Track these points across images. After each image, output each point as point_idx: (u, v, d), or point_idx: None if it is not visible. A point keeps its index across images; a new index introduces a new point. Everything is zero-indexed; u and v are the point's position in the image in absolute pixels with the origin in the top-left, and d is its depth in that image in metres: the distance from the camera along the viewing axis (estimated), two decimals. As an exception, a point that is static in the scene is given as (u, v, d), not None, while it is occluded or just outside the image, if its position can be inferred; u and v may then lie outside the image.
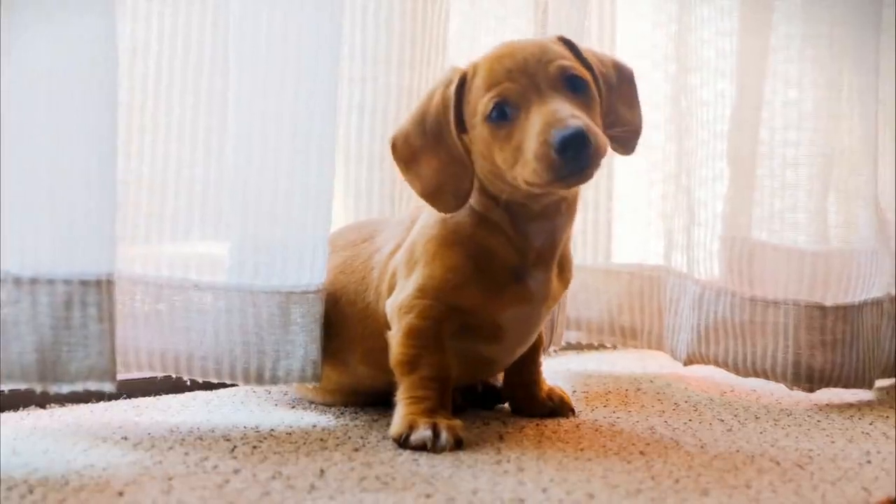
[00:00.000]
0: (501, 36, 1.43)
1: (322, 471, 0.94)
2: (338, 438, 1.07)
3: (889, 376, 1.51)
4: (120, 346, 1.11)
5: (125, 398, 1.24)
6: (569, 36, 1.11)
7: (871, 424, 1.24)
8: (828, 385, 1.39)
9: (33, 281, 0.95)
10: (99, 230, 0.98)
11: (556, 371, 1.52)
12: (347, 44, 1.30)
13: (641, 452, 1.05)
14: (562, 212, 1.09)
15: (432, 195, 1.08)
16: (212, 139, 1.14)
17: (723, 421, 1.23)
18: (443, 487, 0.89)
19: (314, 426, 1.13)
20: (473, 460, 0.99)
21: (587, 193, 1.59)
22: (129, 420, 1.13)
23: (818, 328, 1.38)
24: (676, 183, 1.53)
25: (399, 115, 1.32)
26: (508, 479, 0.93)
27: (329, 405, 1.24)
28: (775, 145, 1.46)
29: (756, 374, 1.42)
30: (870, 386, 1.42)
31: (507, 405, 1.25)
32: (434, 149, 1.07)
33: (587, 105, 1.03)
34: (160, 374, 1.14)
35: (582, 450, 1.05)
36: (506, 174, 1.03)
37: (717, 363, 1.45)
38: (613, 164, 1.60)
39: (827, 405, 1.36)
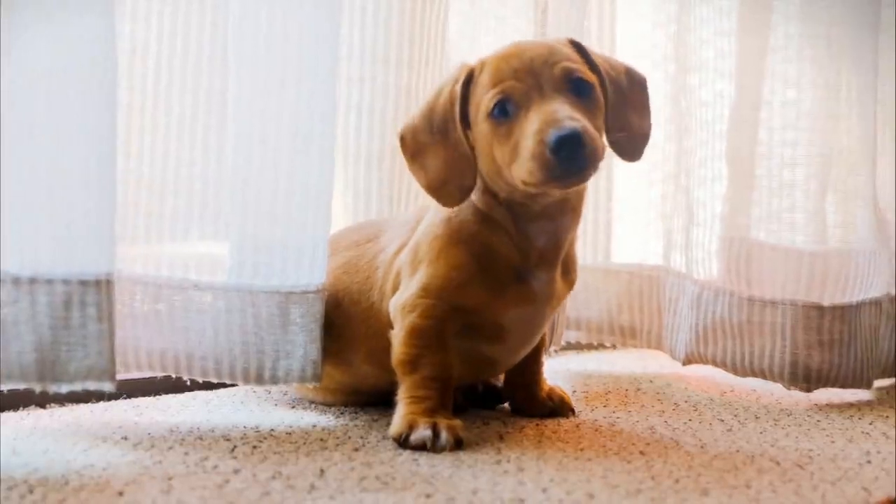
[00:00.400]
0: (501, 36, 1.43)
1: (322, 471, 0.94)
2: (338, 438, 1.07)
3: (888, 376, 1.51)
4: (120, 346, 1.11)
5: (125, 398, 1.24)
6: (569, 36, 1.11)
7: (871, 424, 1.24)
8: (825, 385, 1.39)
9: (32, 281, 0.95)
10: (98, 230, 0.98)
11: (556, 371, 1.52)
12: (346, 43, 1.30)
13: (641, 452, 1.05)
14: (565, 213, 1.09)
15: (436, 189, 1.08)
16: (211, 139, 1.14)
17: (723, 421, 1.23)
18: (443, 487, 0.89)
19: (314, 426, 1.13)
20: (473, 460, 0.99)
21: (598, 195, 1.59)
22: (129, 420, 1.13)
23: (815, 328, 1.38)
24: (676, 183, 1.53)
25: (398, 115, 1.32)
26: (508, 479, 0.93)
27: (330, 405, 1.24)
28: (773, 145, 1.46)
29: (754, 374, 1.42)
30: (868, 386, 1.42)
31: (507, 405, 1.25)
32: (440, 144, 1.08)
33: (589, 109, 1.03)
34: (160, 374, 1.14)
35: (582, 450, 1.05)
36: (504, 172, 1.03)
37: (715, 363, 1.45)
38: (613, 164, 1.60)
39: (827, 405, 1.36)
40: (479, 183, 1.08)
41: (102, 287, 0.98)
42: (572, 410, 1.23)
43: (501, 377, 1.26)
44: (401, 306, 1.09)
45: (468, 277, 1.08)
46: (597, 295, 1.60)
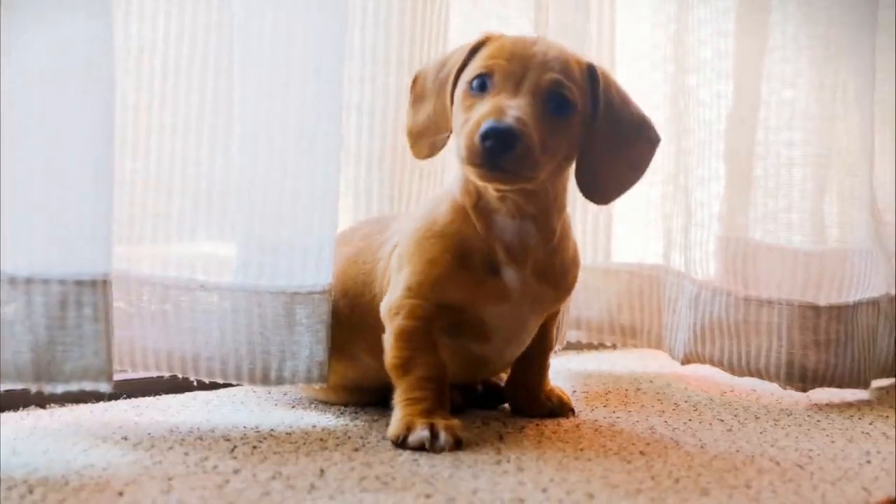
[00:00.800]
0: (503, 36, 1.43)
1: (322, 471, 0.94)
2: (338, 438, 1.07)
3: (887, 376, 1.51)
4: (128, 346, 1.12)
5: (125, 398, 1.24)
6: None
7: (871, 424, 1.24)
8: (821, 385, 1.39)
9: (28, 281, 0.95)
10: (94, 230, 0.97)
11: (556, 371, 1.52)
12: (346, 44, 1.30)
13: (641, 452, 1.05)
14: (524, 217, 1.08)
15: (413, 136, 1.13)
16: (218, 139, 1.14)
17: (723, 421, 1.23)
18: (443, 487, 0.89)
19: (314, 426, 1.13)
20: (473, 460, 0.99)
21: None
22: (129, 420, 1.13)
23: (811, 328, 1.38)
24: (675, 183, 1.53)
25: (398, 115, 1.32)
26: (508, 479, 0.93)
27: (335, 403, 1.24)
28: (770, 145, 1.46)
29: (750, 374, 1.42)
30: (865, 386, 1.42)
31: (507, 405, 1.25)
32: (434, 96, 1.11)
33: (556, 127, 1.03)
34: (167, 375, 1.14)
35: (582, 450, 1.05)
36: (456, 140, 1.05)
37: (712, 362, 1.45)
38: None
39: (827, 405, 1.36)
40: (460, 170, 1.09)
41: (99, 287, 0.97)
42: (572, 411, 1.23)
43: (504, 376, 1.27)
44: (388, 309, 1.10)
45: (445, 271, 1.08)
46: (597, 294, 1.60)
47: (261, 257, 1.12)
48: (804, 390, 1.39)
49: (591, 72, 1.08)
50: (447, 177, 1.38)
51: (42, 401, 1.17)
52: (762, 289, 1.43)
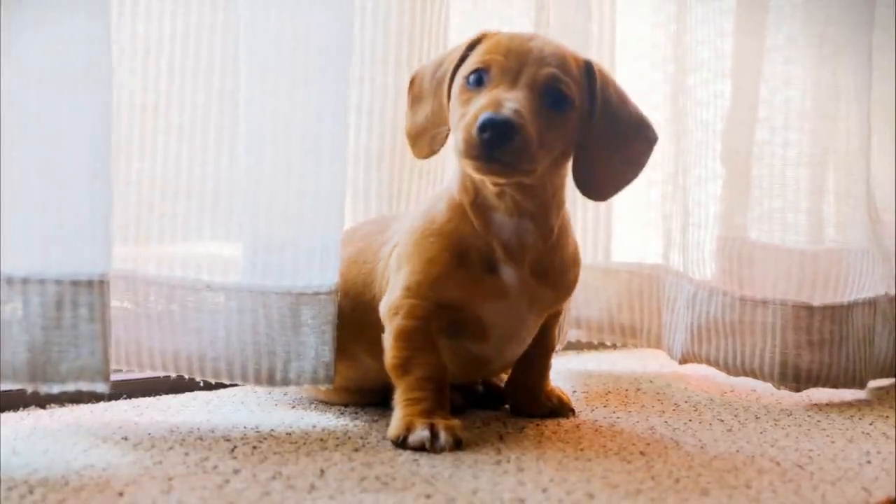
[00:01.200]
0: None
1: (322, 471, 0.94)
2: (338, 438, 1.07)
3: (887, 376, 1.51)
4: (134, 347, 1.12)
5: (125, 398, 1.24)
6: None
7: (871, 424, 1.24)
8: (815, 385, 1.39)
9: (25, 281, 0.95)
10: (92, 230, 0.97)
11: (556, 371, 1.51)
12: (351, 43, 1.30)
13: (641, 452, 1.05)
14: (522, 215, 1.08)
15: (413, 136, 1.13)
16: (224, 139, 1.14)
17: (723, 421, 1.23)
18: (443, 487, 0.89)
19: (314, 426, 1.13)
20: (473, 460, 0.99)
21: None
22: (129, 420, 1.13)
23: (805, 328, 1.38)
24: (674, 183, 1.53)
25: (397, 115, 1.32)
26: (508, 479, 0.93)
27: (334, 403, 1.24)
28: (765, 144, 1.46)
29: (745, 374, 1.42)
30: (861, 386, 1.42)
31: (507, 405, 1.25)
32: (432, 94, 1.11)
33: (553, 121, 1.03)
34: (174, 375, 1.14)
35: (582, 450, 1.05)
36: (453, 135, 1.05)
37: (708, 362, 1.45)
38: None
39: (827, 405, 1.36)
40: (458, 168, 1.09)
41: (95, 287, 0.97)
42: (572, 411, 1.23)
43: (504, 377, 1.26)
44: (387, 309, 1.10)
45: (444, 270, 1.08)
46: (597, 294, 1.60)
47: (266, 257, 1.12)
48: (798, 390, 1.39)
49: (588, 69, 1.09)
50: (446, 176, 1.38)
51: (42, 401, 1.17)
52: (757, 289, 1.43)
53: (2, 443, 1.00)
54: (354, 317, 1.16)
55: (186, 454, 0.98)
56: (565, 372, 1.54)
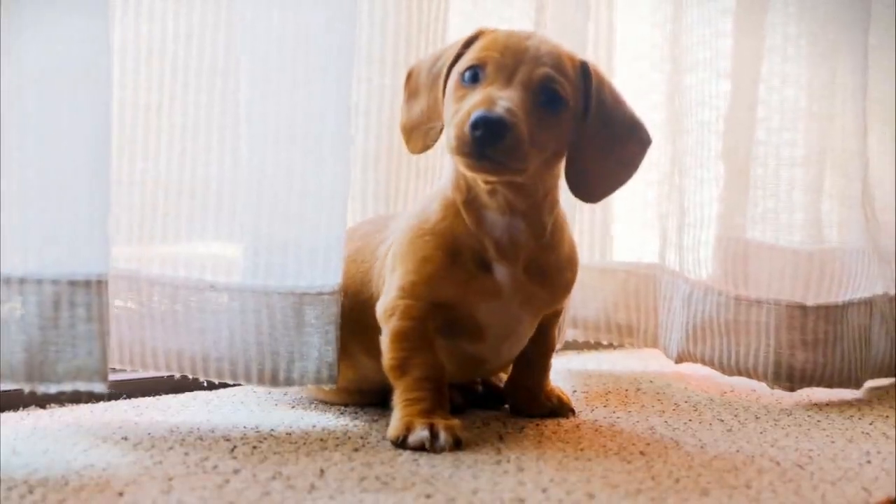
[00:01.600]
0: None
1: (322, 471, 0.94)
2: (338, 438, 1.07)
3: (885, 376, 1.51)
4: (138, 347, 1.12)
5: (125, 398, 1.24)
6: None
7: (871, 424, 1.24)
8: (809, 384, 1.39)
9: (22, 281, 0.95)
10: (89, 231, 0.97)
11: (556, 371, 1.51)
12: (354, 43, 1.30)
13: (641, 452, 1.05)
14: (514, 213, 1.08)
15: (407, 131, 1.13)
16: (226, 139, 1.14)
17: (723, 421, 1.23)
18: (443, 487, 0.89)
19: (314, 426, 1.13)
20: (473, 460, 0.99)
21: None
22: (129, 420, 1.13)
23: (799, 328, 1.39)
24: (670, 183, 1.53)
25: (393, 115, 1.32)
26: (508, 479, 0.93)
27: (334, 403, 1.24)
28: (764, 145, 1.46)
29: (740, 373, 1.42)
30: (856, 386, 1.42)
31: (507, 405, 1.25)
32: (428, 90, 1.11)
33: (547, 121, 1.03)
34: (177, 375, 1.14)
35: (582, 450, 1.05)
36: (446, 131, 1.05)
37: (704, 361, 1.45)
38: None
39: (827, 405, 1.36)
40: (453, 166, 1.09)
41: (93, 287, 0.97)
42: (572, 411, 1.23)
43: (504, 376, 1.26)
44: (383, 310, 1.10)
45: (438, 269, 1.08)
46: (593, 293, 1.60)
47: (269, 257, 1.12)
48: (792, 390, 1.39)
49: (584, 69, 1.09)
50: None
51: (42, 401, 1.17)
52: (752, 288, 1.43)
53: (2, 443, 1.00)
54: (353, 316, 1.16)
55: (186, 454, 0.98)
56: (565, 372, 1.54)
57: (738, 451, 1.07)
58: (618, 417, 1.22)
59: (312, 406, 1.24)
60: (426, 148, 1.12)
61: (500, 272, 1.09)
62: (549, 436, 1.12)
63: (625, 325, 1.60)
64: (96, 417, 1.14)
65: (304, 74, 1.11)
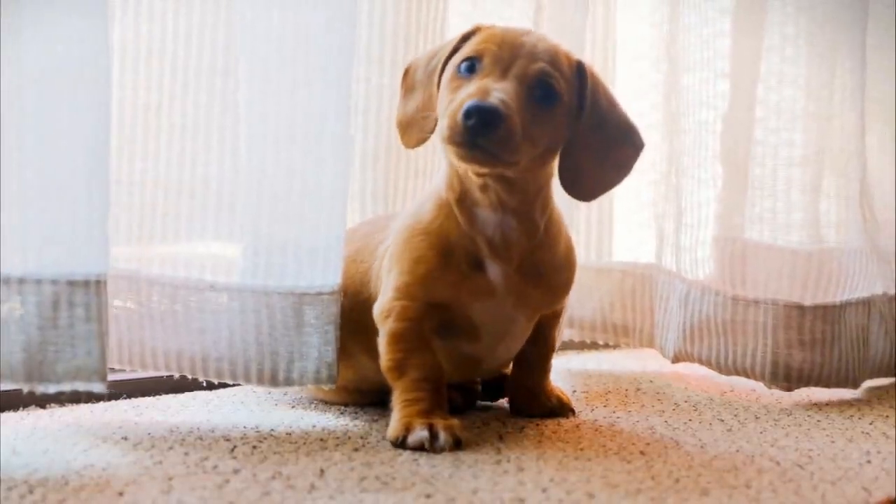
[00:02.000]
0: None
1: (322, 471, 0.94)
2: (338, 438, 1.07)
3: (885, 376, 1.51)
4: (138, 347, 1.12)
5: (125, 398, 1.24)
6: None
7: (871, 424, 1.24)
8: (807, 384, 1.39)
9: (21, 281, 0.95)
10: (88, 230, 0.97)
11: (556, 371, 1.51)
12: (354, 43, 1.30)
13: (641, 452, 1.05)
14: (505, 210, 1.08)
15: (403, 126, 1.13)
16: (226, 139, 1.14)
17: (723, 421, 1.23)
18: (443, 487, 0.89)
19: (314, 426, 1.13)
20: (473, 460, 0.99)
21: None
22: (129, 420, 1.13)
23: (796, 327, 1.39)
24: (667, 183, 1.53)
25: (391, 115, 1.32)
26: (508, 479, 0.93)
27: (334, 403, 1.24)
28: (761, 145, 1.46)
29: (737, 373, 1.42)
30: (854, 386, 1.42)
31: (506, 404, 1.25)
32: (424, 86, 1.11)
33: (541, 116, 1.03)
34: (177, 375, 1.14)
35: (582, 450, 1.05)
36: (440, 123, 1.05)
37: (701, 361, 1.45)
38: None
39: (827, 405, 1.36)
40: (446, 166, 1.09)
41: (92, 287, 0.97)
42: (572, 411, 1.23)
43: (508, 371, 1.26)
44: (380, 312, 1.10)
45: (432, 269, 1.08)
46: (590, 293, 1.60)
47: (269, 257, 1.12)
48: (789, 389, 1.40)
49: (580, 68, 1.09)
50: (440, 175, 1.38)
51: (42, 401, 1.17)
52: (750, 288, 1.43)
53: (2, 443, 1.00)
54: (353, 316, 1.16)
55: (186, 454, 0.98)
56: (565, 372, 1.54)
57: (738, 451, 1.08)
58: (618, 417, 1.22)
59: (312, 406, 1.24)
60: (421, 141, 1.11)
61: (494, 271, 1.09)
62: (549, 436, 1.12)
63: (621, 325, 1.60)
64: (96, 417, 1.14)
65: (303, 74, 1.11)
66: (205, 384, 1.18)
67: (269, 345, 1.12)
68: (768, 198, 1.46)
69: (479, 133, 0.98)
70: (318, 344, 1.13)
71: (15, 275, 0.95)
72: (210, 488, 0.87)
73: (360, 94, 1.32)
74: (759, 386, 1.45)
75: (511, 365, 1.23)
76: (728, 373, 1.43)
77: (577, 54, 1.12)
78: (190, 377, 1.14)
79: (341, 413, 1.20)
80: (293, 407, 1.23)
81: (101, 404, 1.20)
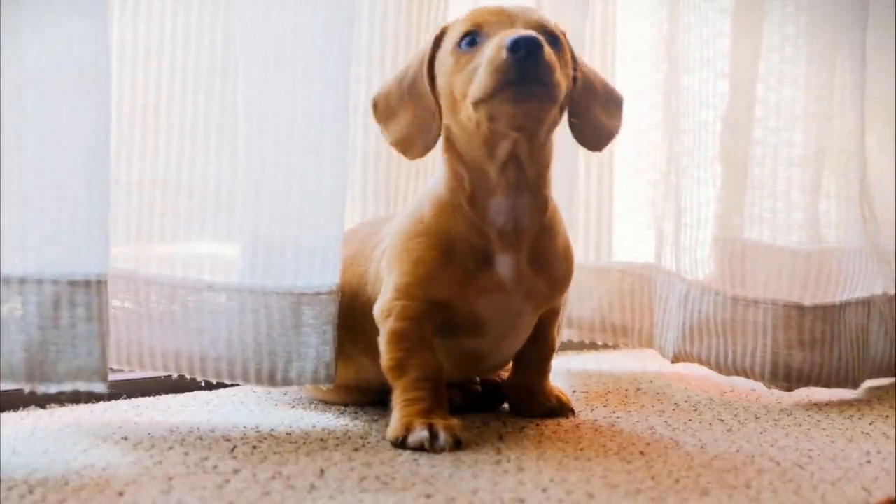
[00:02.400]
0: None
1: (322, 471, 0.94)
2: (338, 438, 1.07)
3: (885, 376, 1.51)
4: (136, 347, 1.12)
5: (125, 398, 1.24)
6: (568, 38, 1.12)
7: (871, 424, 1.24)
8: (807, 384, 1.39)
9: (22, 281, 0.95)
10: (89, 230, 0.97)
11: (556, 371, 1.51)
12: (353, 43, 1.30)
13: (641, 452, 1.05)
14: (521, 191, 1.08)
15: (402, 143, 1.10)
16: (224, 139, 1.14)
17: (723, 421, 1.23)
18: (443, 487, 0.89)
19: (314, 426, 1.13)
20: (473, 460, 0.99)
21: (589, 193, 1.59)
22: (129, 420, 1.13)
23: (796, 327, 1.39)
24: (667, 183, 1.53)
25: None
26: (508, 479, 0.93)
27: (334, 403, 1.24)
28: (761, 145, 1.46)
29: (737, 373, 1.42)
30: (854, 386, 1.42)
31: (506, 405, 1.25)
32: (408, 103, 1.10)
33: (557, 56, 1.04)
34: (175, 375, 1.14)
35: (582, 450, 1.05)
36: (460, 106, 1.04)
37: (700, 361, 1.45)
38: (614, 162, 1.60)
39: (827, 405, 1.36)
40: (446, 163, 1.09)
41: (93, 287, 0.97)
42: (572, 411, 1.23)
43: (505, 375, 1.26)
44: (380, 312, 1.10)
45: (433, 269, 1.08)
46: (588, 293, 1.60)
47: (267, 257, 1.12)
48: (789, 390, 1.39)
49: (563, 36, 1.11)
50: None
51: (42, 401, 1.17)
52: (749, 288, 1.43)
53: (2, 443, 1.00)
54: (352, 317, 1.16)
55: (186, 454, 0.98)
56: (565, 372, 1.54)
57: (738, 451, 1.08)
58: (618, 417, 1.22)
59: (312, 406, 1.24)
60: (427, 150, 1.10)
61: (503, 264, 1.09)
62: (549, 436, 1.12)
63: (619, 325, 1.60)
64: (96, 417, 1.14)
65: (303, 74, 1.11)
66: (204, 384, 1.18)
67: (267, 345, 1.12)
68: (768, 198, 1.46)
69: (530, 63, 0.97)
70: (316, 344, 1.13)
71: (16, 275, 0.95)
72: (210, 488, 0.87)
73: (360, 94, 1.32)
74: (759, 386, 1.45)
75: (510, 367, 1.23)
76: (728, 373, 1.43)
77: (577, 55, 1.13)
78: (188, 377, 1.14)
79: (341, 413, 1.20)
80: (293, 407, 1.23)
81: (101, 404, 1.20)
